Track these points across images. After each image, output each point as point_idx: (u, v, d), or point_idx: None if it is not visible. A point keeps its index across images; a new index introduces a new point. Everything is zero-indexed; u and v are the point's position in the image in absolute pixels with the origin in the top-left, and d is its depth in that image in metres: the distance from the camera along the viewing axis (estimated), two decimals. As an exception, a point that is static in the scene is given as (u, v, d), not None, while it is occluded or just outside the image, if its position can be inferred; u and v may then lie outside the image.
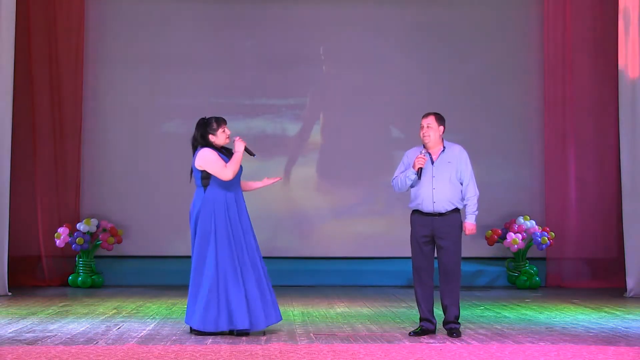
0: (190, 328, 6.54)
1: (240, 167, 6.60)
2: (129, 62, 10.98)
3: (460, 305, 6.62)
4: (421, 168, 6.47)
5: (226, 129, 6.60)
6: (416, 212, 6.61)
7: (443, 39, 11.16)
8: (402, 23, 11.19)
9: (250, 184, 6.90)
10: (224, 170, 6.45)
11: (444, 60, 11.16)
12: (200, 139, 6.56)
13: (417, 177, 6.51)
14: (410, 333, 6.62)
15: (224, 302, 6.38)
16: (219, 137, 6.57)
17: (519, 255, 10.58)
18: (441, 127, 6.59)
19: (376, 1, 11.21)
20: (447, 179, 6.50)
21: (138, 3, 11.08)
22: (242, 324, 6.37)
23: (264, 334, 6.55)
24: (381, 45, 11.17)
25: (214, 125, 6.57)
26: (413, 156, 6.60)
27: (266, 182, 6.91)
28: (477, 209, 6.56)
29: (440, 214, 6.50)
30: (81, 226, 10.21)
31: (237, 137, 6.64)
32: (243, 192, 6.69)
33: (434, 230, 6.52)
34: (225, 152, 6.61)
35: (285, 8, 11.14)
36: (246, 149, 6.62)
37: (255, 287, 6.47)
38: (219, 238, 6.44)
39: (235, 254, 6.45)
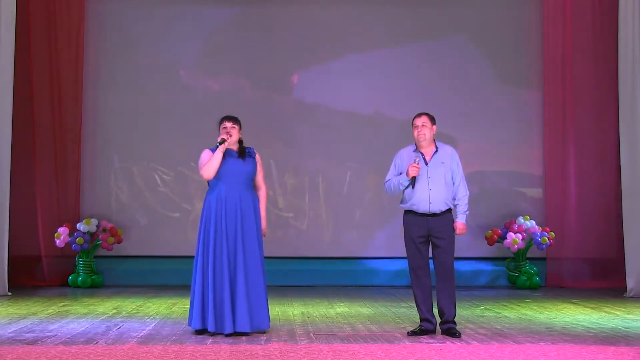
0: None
1: (248, 166, 6.62)
2: (129, 62, 10.99)
3: (459, 305, 6.63)
4: (414, 177, 6.47)
5: (228, 126, 6.67)
6: (410, 213, 6.61)
7: (443, 39, 11.17)
8: (400, 23, 11.19)
9: (261, 200, 6.76)
10: (200, 170, 6.64)
11: (444, 60, 11.17)
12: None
13: (410, 186, 6.52)
14: (408, 332, 6.63)
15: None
16: (221, 133, 6.69)
17: (519, 255, 10.59)
18: (434, 127, 6.62)
19: (373, 1, 11.22)
20: (442, 180, 6.51)
21: (138, 3, 11.09)
22: (192, 323, 6.53)
23: (264, 333, 6.56)
24: (380, 46, 11.17)
25: (219, 122, 6.76)
26: (405, 157, 6.61)
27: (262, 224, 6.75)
28: (468, 209, 6.57)
29: (435, 215, 6.51)
30: (81, 226, 10.21)
31: (223, 132, 6.64)
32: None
33: (430, 231, 6.53)
34: (231, 152, 6.65)
35: (286, 10, 11.15)
36: (222, 141, 6.58)
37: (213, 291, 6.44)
38: (200, 236, 6.55)
39: (207, 254, 6.48)
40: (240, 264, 6.45)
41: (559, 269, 10.80)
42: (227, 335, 6.36)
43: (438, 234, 6.51)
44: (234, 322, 6.39)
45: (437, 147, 6.59)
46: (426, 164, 6.53)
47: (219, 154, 6.55)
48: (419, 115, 6.65)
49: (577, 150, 10.89)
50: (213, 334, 6.39)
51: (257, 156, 6.78)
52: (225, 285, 6.40)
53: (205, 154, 6.66)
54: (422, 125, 6.56)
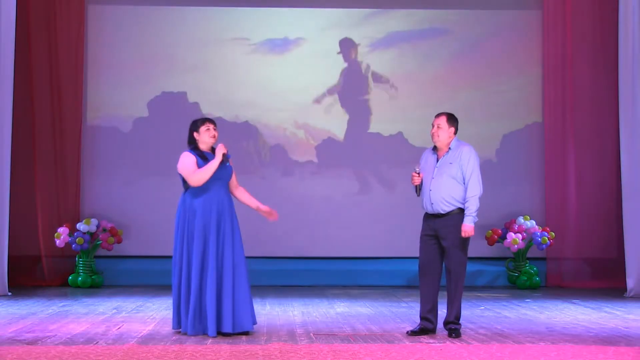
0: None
1: (229, 171, 6.57)
2: (128, 62, 10.98)
3: (462, 306, 6.61)
4: (417, 185, 6.62)
5: (211, 128, 6.56)
6: (425, 212, 6.67)
7: (444, 39, 11.17)
8: (401, 24, 11.19)
9: (245, 198, 6.75)
10: (191, 176, 6.46)
11: (444, 60, 11.17)
12: (189, 139, 6.62)
13: (416, 193, 6.68)
14: (408, 332, 6.63)
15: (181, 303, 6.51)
16: (203, 136, 6.56)
17: (519, 255, 10.58)
18: (452, 129, 6.58)
19: (374, 2, 11.22)
20: (445, 180, 6.48)
21: (138, 4, 11.08)
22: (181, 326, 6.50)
23: (263, 334, 6.56)
24: (380, 46, 11.17)
25: (198, 124, 6.59)
26: (423, 158, 6.72)
27: (261, 208, 6.71)
28: (477, 210, 6.43)
29: (440, 215, 6.51)
30: (81, 226, 10.20)
31: (220, 144, 6.52)
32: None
33: (436, 231, 6.54)
34: (210, 156, 6.55)
35: (283, 10, 11.16)
36: (224, 155, 6.49)
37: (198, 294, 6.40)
38: (184, 242, 6.49)
39: (191, 258, 6.42)
40: (227, 267, 6.39)
41: (559, 269, 10.80)
42: (213, 337, 6.31)
43: (442, 234, 6.51)
44: (220, 323, 6.36)
45: (450, 148, 6.58)
46: (437, 164, 6.57)
47: (216, 164, 6.43)
48: (437, 115, 6.66)
49: (577, 150, 10.88)
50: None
51: (230, 160, 6.66)
52: (210, 288, 6.32)
53: (189, 158, 6.51)
54: (437, 127, 6.58)
